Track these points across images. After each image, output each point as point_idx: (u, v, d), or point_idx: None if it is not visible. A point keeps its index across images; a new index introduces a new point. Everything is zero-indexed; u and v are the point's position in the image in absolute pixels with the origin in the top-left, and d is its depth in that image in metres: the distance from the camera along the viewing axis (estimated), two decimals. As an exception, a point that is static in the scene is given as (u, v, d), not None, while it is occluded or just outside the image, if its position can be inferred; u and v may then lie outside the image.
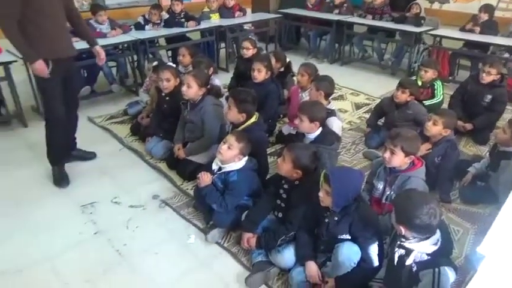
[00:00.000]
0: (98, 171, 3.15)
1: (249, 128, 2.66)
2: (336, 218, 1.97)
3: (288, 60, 4.17)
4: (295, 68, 4.21)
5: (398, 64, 5.64)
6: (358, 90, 4.93)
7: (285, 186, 2.28)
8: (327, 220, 2.01)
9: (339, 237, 1.97)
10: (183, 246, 2.40)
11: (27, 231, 2.51)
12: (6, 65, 3.60)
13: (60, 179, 2.91)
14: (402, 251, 1.74)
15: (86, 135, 3.45)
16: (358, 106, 4.51)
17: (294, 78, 4.22)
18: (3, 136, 3.75)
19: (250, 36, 5.17)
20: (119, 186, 2.96)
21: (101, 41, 4.28)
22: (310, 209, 2.12)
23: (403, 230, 1.67)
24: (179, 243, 2.42)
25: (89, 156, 3.31)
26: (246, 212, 2.39)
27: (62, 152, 2.98)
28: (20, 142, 3.59)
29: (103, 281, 2.15)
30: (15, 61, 3.60)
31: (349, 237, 1.96)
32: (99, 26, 4.53)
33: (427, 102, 3.67)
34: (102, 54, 3.00)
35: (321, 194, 1.97)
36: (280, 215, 2.34)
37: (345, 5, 6.15)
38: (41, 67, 2.58)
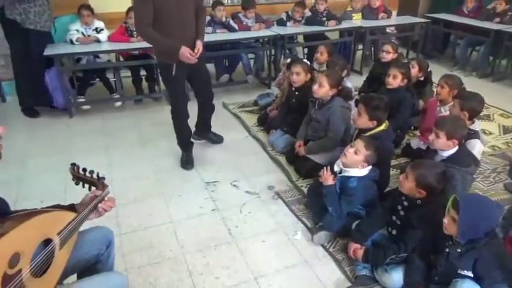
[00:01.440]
0: (224, 154, 3.42)
1: (377, 135, 2.55)
2: (459, 250, 1.77)
3: (429, 69, 3.86)
4: (435, 79, 3.88)
5: None
6: (510, 112, 4.30)
7: (405, 203, 2.13)
8: (447, 250, 1.82)
9: (459, 271, 1.77)
10: (288, 241, 2.45)
11: (160, 195, 2.86)
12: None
13: (186, 163, 3.20)
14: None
15: (219, 120, 3.76)
16: (507, 130, 3.94)
17: (434, 89, 3.90)
18: (153, 110, 4.34)
19: (393, 40, 4.93)
20: (240, 171, 3.16)
21: (245, 34, 4.66)
22: (430, 234, 1.95)
23: None
24: (286, 237, 2.48)
25: (219, 139, 3.59)
26: (358, 221, 2.32)
27: (186, 140, 3.24)
28: (165, 117, 4.03)
29: (213, 255, 2.33)
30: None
31: (471, 275, 1.75)
32: (245, 20, 4.84)
33: None
34: (200, 50, 2.78)
35: (445, 220, 1.79)
36: (394, 232, 2.21)
37: (510, 13, 5.38)
38: (186, 52, 2.68)
